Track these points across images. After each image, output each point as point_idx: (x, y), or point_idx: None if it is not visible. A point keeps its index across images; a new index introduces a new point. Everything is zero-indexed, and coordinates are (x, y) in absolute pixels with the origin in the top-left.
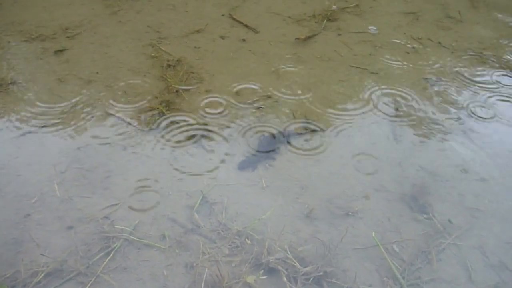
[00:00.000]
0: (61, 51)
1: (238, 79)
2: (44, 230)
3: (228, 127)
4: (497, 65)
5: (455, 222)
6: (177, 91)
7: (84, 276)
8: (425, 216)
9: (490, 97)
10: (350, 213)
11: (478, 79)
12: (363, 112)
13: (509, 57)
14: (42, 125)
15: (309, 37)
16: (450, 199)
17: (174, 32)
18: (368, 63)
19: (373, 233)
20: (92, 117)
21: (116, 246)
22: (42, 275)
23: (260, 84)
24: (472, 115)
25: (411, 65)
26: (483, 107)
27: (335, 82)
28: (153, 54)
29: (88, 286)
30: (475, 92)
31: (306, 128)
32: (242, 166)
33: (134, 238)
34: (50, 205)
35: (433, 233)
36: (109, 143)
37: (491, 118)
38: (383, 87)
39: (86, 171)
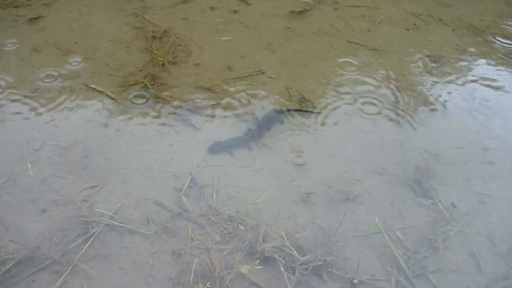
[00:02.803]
0: (36, 18)
1: (230, 52)
2: (15, 214)
3: (218, 104)
4: (498, 43)
5: (462, 208)
6: (163, 64)
7: (59, 265)
8: (430, 201)
9: (495, 74)
10: (350, 197)
11: (480, 56)
12: (362, 91)
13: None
14: (15, 98)
15: (304, 11)
16: (456, 184)
17: (160, 2)
18: (366, 39)
19: (377, 219)
20: (70, 90)
21: (96, 231)
22: (12, 263)
23: (253, 59)
24: (477, 93)
25: (411, 42)
26: (489, 85)
27: (332, 59)
28: (137, 25)
29: (64, 276)
30: (478, 70)
31: (300, 107)
32: (214, 150)
33: (115, 223)
34: (22, 186)
35: (438, 220)
36: (89, 119)
37: (496, 96)
38: (382, 64)
39: (62, 149)
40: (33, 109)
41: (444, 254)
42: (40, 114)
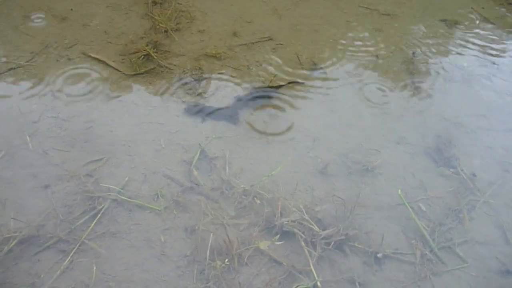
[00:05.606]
0: None
1: (235, 18)
2: (15, 190)
3: (225, 72)
4: None
5: (486, 177)
6: (165, 31)
7: (65, 243)
8: (452, 170)
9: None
10: (369, 168)
11: (497, 20)
12: (376, 56)
13: None
14: (9, 68)
15: None
16: (479, 152)
17: None
18: (378, 3)
19: (399, 190)
20: (69, 59)
21: (103, 207)
22: (14, 242)
23: (260, 25)
24: (495, 58)
25: (424, 6)
26: (508, 49)
27: (343, 24)
28: None
29: (71, 255)
30: (496, 34)
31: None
32: (189, 111)
33: (123, 198)
34: (22, 160)
35: (462, 190)
36: (89, 90)
37: None
38: (396, 29)
39: (62, 121)
40: (29, 79)
41: (469, 225)
42: (38, 84)
